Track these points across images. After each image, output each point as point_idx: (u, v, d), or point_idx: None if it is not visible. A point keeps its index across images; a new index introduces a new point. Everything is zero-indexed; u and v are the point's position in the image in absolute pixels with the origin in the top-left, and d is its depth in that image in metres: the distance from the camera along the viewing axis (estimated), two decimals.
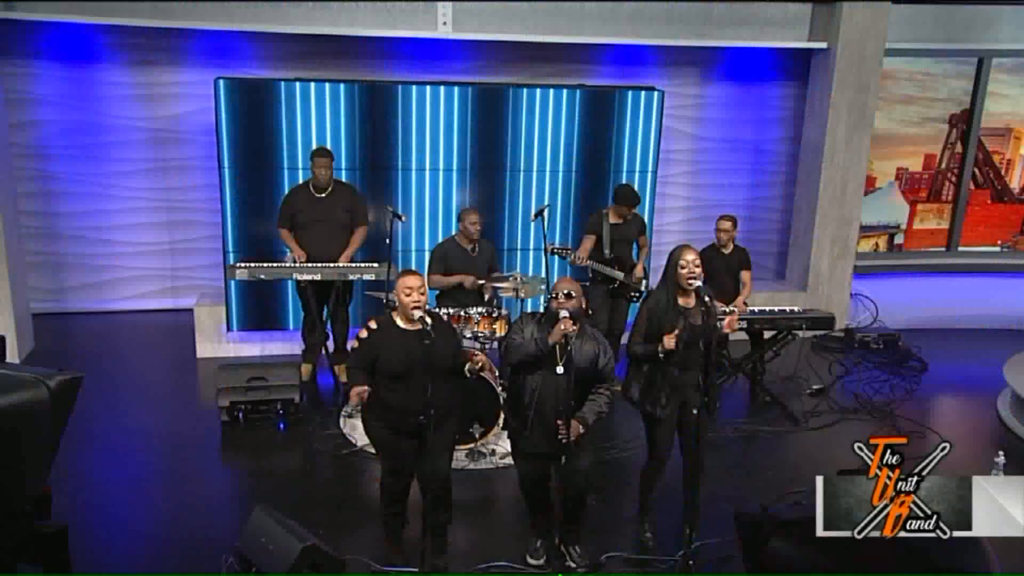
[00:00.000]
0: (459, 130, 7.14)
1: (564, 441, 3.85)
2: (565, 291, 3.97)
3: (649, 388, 4.28)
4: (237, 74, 7.12)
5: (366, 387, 3.86)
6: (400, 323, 3.97)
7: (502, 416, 5.43)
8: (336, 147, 6.88)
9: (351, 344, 4.03)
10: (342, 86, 6.91)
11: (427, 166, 7.17)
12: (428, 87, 7.07)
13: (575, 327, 3.88)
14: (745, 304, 6.39)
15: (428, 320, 3.82)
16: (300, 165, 6.82)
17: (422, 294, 3.89)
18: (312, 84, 6.89)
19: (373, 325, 3.98)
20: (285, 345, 7.23)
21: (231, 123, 6.78)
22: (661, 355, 4.15)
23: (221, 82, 6.70)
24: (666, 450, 4.41)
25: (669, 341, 4.09)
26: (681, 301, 4.23)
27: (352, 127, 6.97)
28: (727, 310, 6.16)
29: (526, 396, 4.02)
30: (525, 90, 7.21)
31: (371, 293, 6.47)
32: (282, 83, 6.87)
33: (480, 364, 4.01)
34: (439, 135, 7.12)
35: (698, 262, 4.18)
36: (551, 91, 7.25)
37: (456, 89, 7.10)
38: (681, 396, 4.27)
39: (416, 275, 3.94)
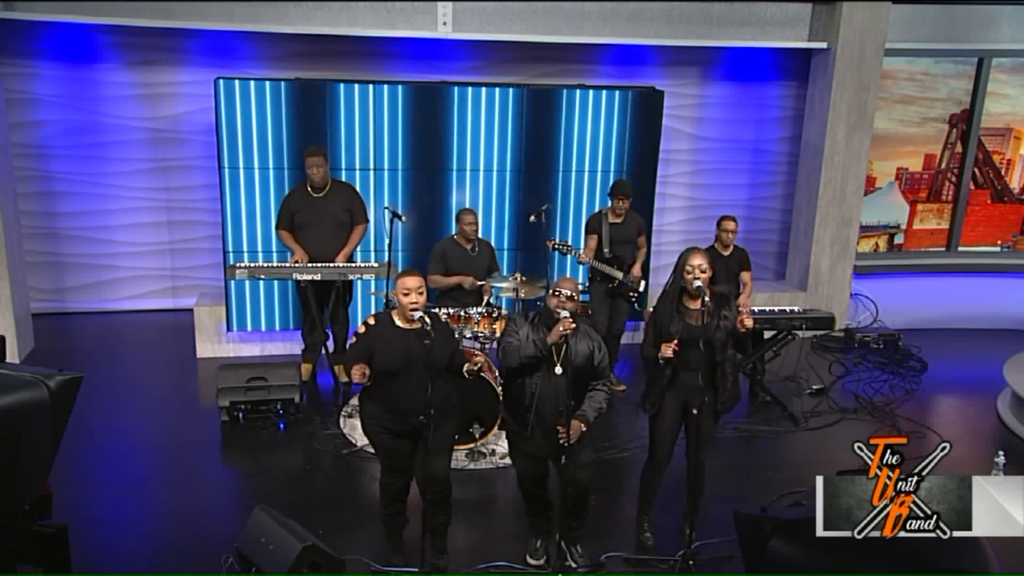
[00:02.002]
0: (459, 130, 7.14)
1: (565, 443, 3.86)
2: (567, 292, 3.97)
3: (649, 387, 4.31)
4: (237, 74, 7.13)
5: (365, 365, 3.85)
6: (398, 322, 3.97)
7: (501, 416, 5.45)
8: (336, 147, 6.89)
9: (350, 341, 4.04)
10: (342, 86, 6.91)
11: (427, 166, 7.17)
12: (429, 87, 7.07)
13: (574, 325, 3.88)
14: (747, 301, 6.40)
15: (428, 320, 3.83)
16: (300, 165, 6.81)
17: (420, 295, 3.89)
18: (312, 84, 6.89)
19: (371, 321, 3.98)
20: (285, 345, 7.23)
21: (231, 123, 6.78)
22: (662, 361, 4.18)
23: (221, 82, 6.70)
24: (665, 448, 4.41)
25: (666, 350, 4.12)
26: (687, 302, 4.24)
27: (351, 127, 6.97)
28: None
29: (525, 398, 4.02)
30: (525, 90, 7.21)
31: (374, 294, 6.48)
32: (282, 83, 6.87)
33: (479, 365, 4.01)
34: (439, 135, 7.12)
35: (704, 266, 4.19)
36: (552, 92, 7.24)
37: (456, 89, 7.10)
38: (683, 396, 4.28)
39: (415, 276, 3.94)
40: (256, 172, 6.93)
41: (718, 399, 4.27)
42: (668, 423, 4.35)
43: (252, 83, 6.82)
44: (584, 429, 3.97)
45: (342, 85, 6.92)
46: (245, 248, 6.98)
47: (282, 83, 6.87)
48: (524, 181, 7.36)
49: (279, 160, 6.94)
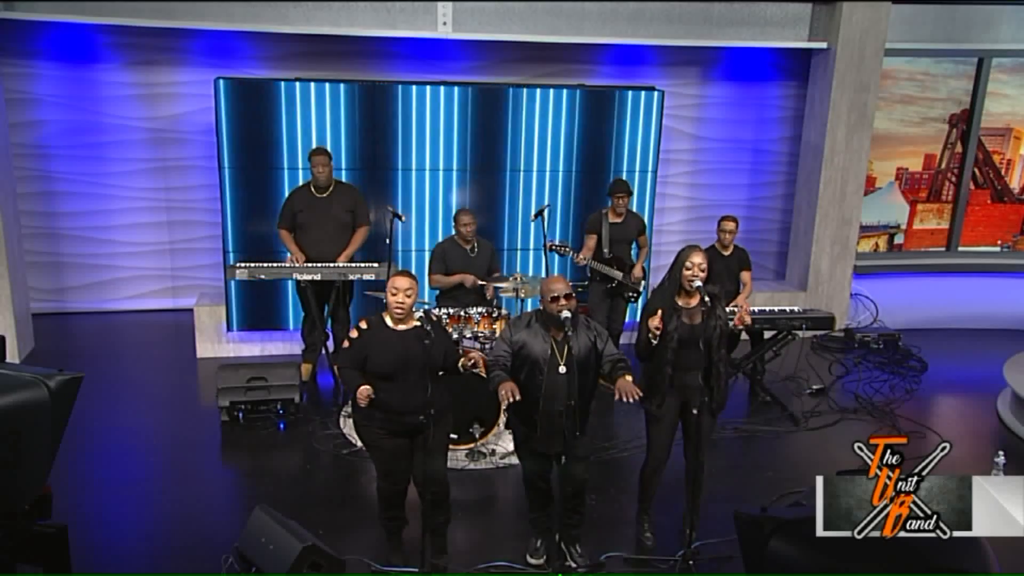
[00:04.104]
0: (459, 130, 7.14)
1: (629, 399, 3.82)
2: (565, 292, 3.95)
3: (650, 387, 4.28)
4: (237, 74, 7.12)
5: (367, 385, 3.85)
6: (390, 323, 3.96)
7: (502, 416, 5.44)
8: (336, 147, 6.89)
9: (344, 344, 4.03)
10: (342, 86, 6.91)
11: (427, 166, 7.17)
12: (428, 87, 7.07)
13: (516, 398, 3.80)
14: (747, 302, 6.40)
15: (414, 322, 3.83)
16: (300, 165, 6.82)
17: (408, 296, 3.89)
18: (312, 84, 6.89)
19: (363, 325, 3.96)
20: (285, 345, 7.23)
21: (231, 123, 6.78)
22: (654, 340, 4.12)
23: (221, 82, 6.70)
24: (664, 449, 4.41)
25: (653, 321, 4.08)
26: (681, 301, 4.23)
27: (352, 127, 6.97)
28: (731, 309, 6.18)
29: (529, 399, 4.01)
30: (525, 90, 7.21)
31: (371, 293, 6.47)
32: (282, 83, 6.87)
33: (473, 360, 3.98)
34: (439, 135, 7.12)
35: (704, 265, 4.18)
36: (551, 91, 7.25)
37: (456, 89, 7.10)
38: (682, 396, 4.27)
39: (406, 277, 3.93)
40: (256, 172, 6.93)
41: (713, 399, 4.26)
42: (667, 423, 4.34)
43: (252, 83, 6.82)
44: (630, 378, 3.91)
45: (342, 85, 6.92)
46: (245, 248, 6.98)
47: (282, 83, 6.87)
48: (524, 181, 7.36)
49: (279, 160, 6.94)
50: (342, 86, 6.91)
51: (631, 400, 3.84)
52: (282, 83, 6.87)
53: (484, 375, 4.03)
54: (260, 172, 6.94)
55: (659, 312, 4.10)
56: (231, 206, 6.94)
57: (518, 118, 7.21)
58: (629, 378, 3.91)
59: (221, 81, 6.71)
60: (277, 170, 6.95)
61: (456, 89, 7.10)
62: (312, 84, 6.89)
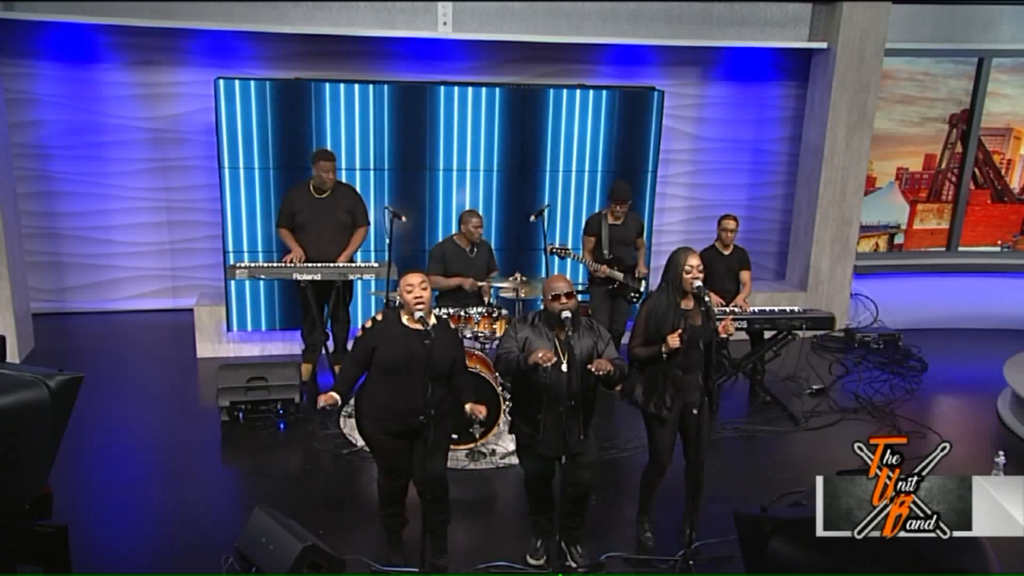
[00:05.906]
0: (459, 130, 7.14)
1: (599, 373, 3.85)
2: (565, 291, 3.96)
3: (652, 390, 4.28)
4: (237, 74, 7.13)
5: (336, 397, 3.90)
6: (405, 321, 3.98)
7: (503, 416, 5.44)
8: (336, 147, 6.89)
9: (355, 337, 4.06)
10: (342, 86, 6.91)
11: (427, 166, 7.18)
12: (427, 87, 7.07)
13: (553, 360, 3.83)
14: (747, 302, 6.40)
15: (430, 321, 3.84)
16: (299, 165, 6.82)
17: (424, 290, 3.90)
18: (312, 84, 6.89)
19: (378, 318, 4.01)
20: (285, 345, 7.23)
21: (231, 123, 6.78)
22: (665, 355, 4.15)
23: (221, 82, 6.70)
24: (668, 453, 4.40)
25: (673, 340, 4.09)
26: (682, 303, 4.23)
27: (352, 127, 6.97)
28: (726, 310, 6.19)
29: (533, 400, 4.01)
30: (525, 90, 7.21)
31: (371, 293, 6.48)
32: (282, 83, 6.87)
33: (480, 418, 4.09)
34: (439, 135, 7.12)
35: (702, 267, 4.20)
36: (551, 91, 7.25)
37: (456, 89, 7.10)
38: (684, 397, 4.28)
39: (417, 272, 3.96)
40: (256, 172, 6.93)
41: (712, 399, 4.26)
42: (671, 424, 4.34)
43: (252, 83, 6.82)
44: (610, 369, 3.90)
45: (342, 85, 6.92)
46: (245, 248, 6.98)
47: (282, 83, 6.87)
48: (523, 181, 7.36)
49: (279, 160, 6.94)
50: (342, 86, 6.91)
51: (599, 372, 3.85)
52: (282, 83, 6.87)
53: (488, 377, 4.05)
54: (260, 172, 6.93)
55: (678, 332, 4.09)
56: (231, 206, 6.94)
57: (517, 118, 7.21)
58: (606, 363, 3.91)
59: (221, 81, 6.71)
60: (277, 170, 6.95)
61: (456, 89, 7.10)
62: (312, 84, 6.89)
